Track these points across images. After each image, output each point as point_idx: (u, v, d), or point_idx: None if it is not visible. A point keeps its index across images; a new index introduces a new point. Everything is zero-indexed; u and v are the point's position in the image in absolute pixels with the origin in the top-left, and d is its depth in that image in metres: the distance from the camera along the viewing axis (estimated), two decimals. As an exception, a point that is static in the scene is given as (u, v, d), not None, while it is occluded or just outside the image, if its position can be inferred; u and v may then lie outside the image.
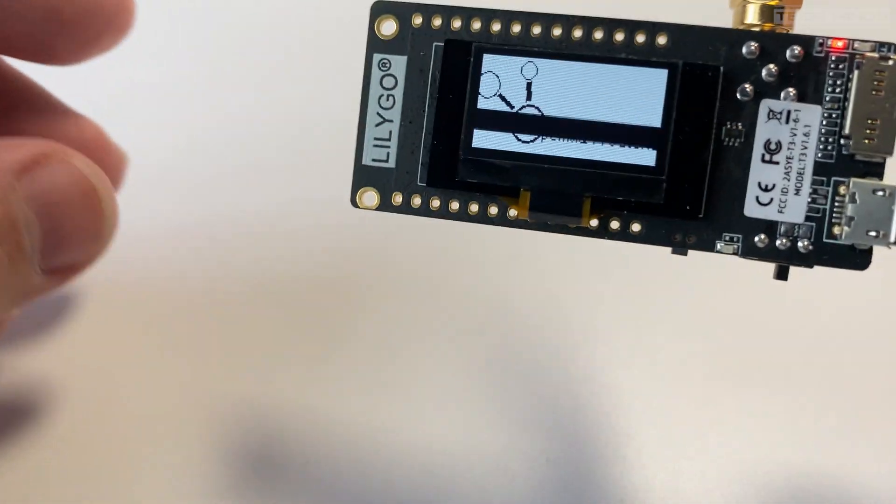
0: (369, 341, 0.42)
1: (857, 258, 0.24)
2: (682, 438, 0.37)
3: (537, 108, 0.24)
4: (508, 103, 0.25)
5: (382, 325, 0.42)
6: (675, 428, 0.37)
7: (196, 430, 0.40)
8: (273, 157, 0.46)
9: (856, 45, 0.24)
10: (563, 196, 0.24)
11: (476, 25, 0.25)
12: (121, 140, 0.38)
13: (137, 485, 0.39)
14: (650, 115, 0.24)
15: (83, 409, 0.41)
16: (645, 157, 0.24)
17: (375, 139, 0.26)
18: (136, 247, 0.43)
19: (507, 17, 0.25)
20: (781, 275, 0.25)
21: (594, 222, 0.25)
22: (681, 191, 0.24)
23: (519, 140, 0.24)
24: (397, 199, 0.26)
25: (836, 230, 0.24)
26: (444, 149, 0.25)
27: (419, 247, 0.43)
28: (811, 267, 0.24)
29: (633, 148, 0.24)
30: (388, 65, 0.26)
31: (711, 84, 0.24)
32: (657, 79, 0.24)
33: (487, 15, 0.25)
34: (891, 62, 0.23)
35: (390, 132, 0.26)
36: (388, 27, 0.26)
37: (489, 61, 0.25)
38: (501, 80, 0.24)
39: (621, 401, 0.38)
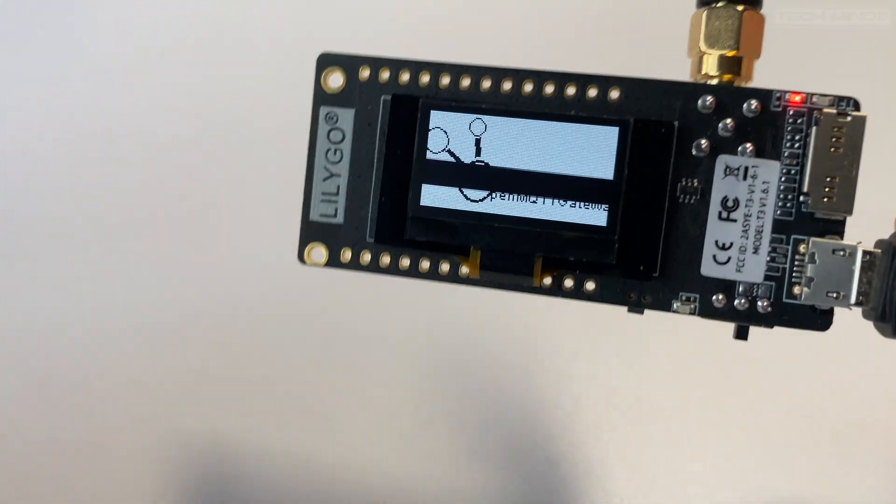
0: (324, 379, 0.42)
1: (817, 319, 0.23)
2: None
3: (486, 164, 0.24)
4: (457, 159, 0.24)
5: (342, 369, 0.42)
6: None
7: (142, 464, 0.41)
8: (220, 212, 0.45)
9: (814, 99, 0.23)
10: (514, 255, 0.24)
11: (425, 79, 0.25)
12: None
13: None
14: (601, 173, 0.23)
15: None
16: (596, 216, 0.23)
17: (323, 194, 0.25)
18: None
19: (457, 70, 0.24)
20: (741, 335, 0.24)
21: (547, 281, 0.24)
22: (634, 250, 0.23)
23: (468, 199, 0.24)
24: (346, 255, 0.25)
25: (796, 290, 0.23)
26: (392, 206, 0.24)
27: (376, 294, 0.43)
28: (771, 327, 0.24)
29: (584, 207, 0.23)
30: (335, 118, 0.25)
31: (665, 140, 0.23)
32: (608, 136, 0.23)
33: (436, 69, 0.24)
34: (849, 119, 0.22)
35: (338, 187, 0.25)
36: (335, 80, 0.25)
37: (437, 117, 0.24)
38: (450, 135, 0.24)
39: (621, 402, 0.38)
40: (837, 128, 0.22)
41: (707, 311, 0.24)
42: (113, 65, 0.46)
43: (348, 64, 0.25)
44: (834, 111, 0.22)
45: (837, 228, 0.23)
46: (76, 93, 0.46)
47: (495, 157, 0.24)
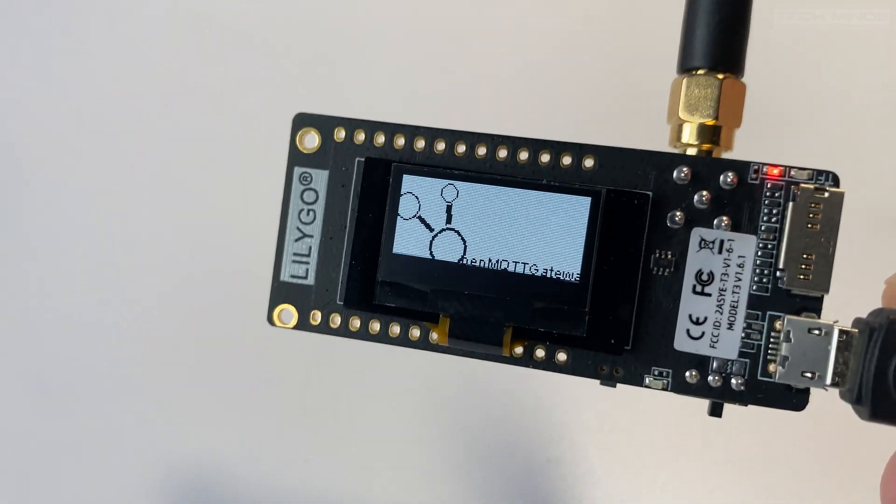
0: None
1: (793, 398, 0.23)
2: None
3: (457, 231, 0.23)
4: (428, 226, 0.23)
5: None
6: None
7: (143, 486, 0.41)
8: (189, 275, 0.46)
9: (792, 172, 0.22)
10: (484, 324, 0.23)
11: (400, 142, 0.24)
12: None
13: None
14: (572, 244, 0.23)
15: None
16: (567, 287, 0.23)
17: (295, 255, 0.25)
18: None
19: (431, 134, 0.24)
20: (715, 411, 0.24)
21: (519, 350, 0.24)
22: (605, 323, 0.23)
23: (438, 264, 0.23)
24: (316, 317, 0.25)
25: (771, 368, 0.22)
26: (362, 269, 0.24)
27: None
28: (745, 405, 0.23)
29: (555, 277, 0.23)
30: (309, 179, 0.25)
31: (638, 211, 0.23)
32: (580, 206, 0.23)
33: (411, 132, 0.24)
34: (826, 195, 0.22)
35: (310, 248, 0.25)
36: (311, 140, 0.25)
37: (409, 182, 0.24)
38: (421, 201, 0.23)
39: (621, 402, 0.38)
40: (815, 203, 0.22)
41: (680, 388, 0.23)
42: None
43: (324, 125, 0.25)
44: (812, 186, 0.22)
45: (815, 305, 0.22)
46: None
47: (466, 224, 0.23)
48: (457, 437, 0.40)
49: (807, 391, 0.22)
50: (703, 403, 0.37)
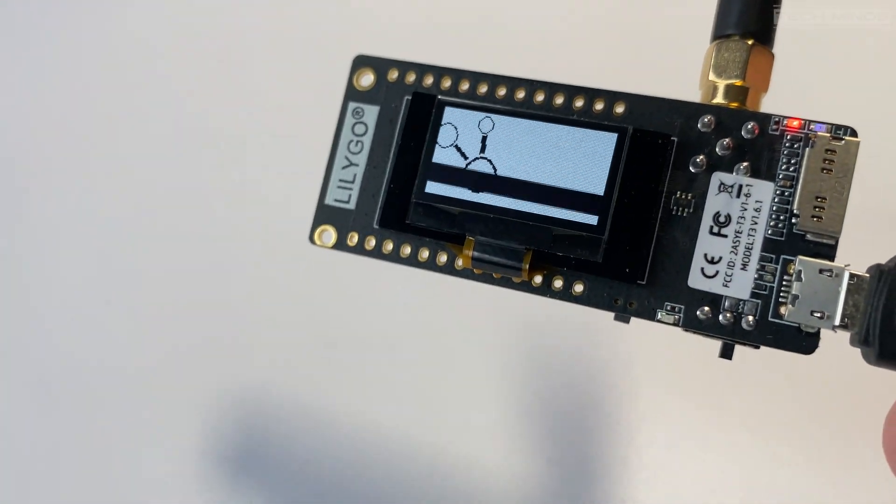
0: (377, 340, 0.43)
1: (803, 341, 0.23)
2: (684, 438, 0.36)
3: (489, 160, 0.25)
4: (463, 154, 0.25)
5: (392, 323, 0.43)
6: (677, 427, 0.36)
7: (199, 421, 0.42)
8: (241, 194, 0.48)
9: (812, 125, 0.23)
10: (505, 247, 0.24)
11: (446, 84, 0.27)
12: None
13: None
14: (597, 175, 0.24)
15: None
16: (588, 216, 0.24)
17: (340, 181, 0.27)
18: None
19: (476, 77, 0.26)
20: (726, 353, 0.24)
21: (538, 279, 0.25)
22: (622, 252, 0.24)
23: (469, 189, 0.25)
24: (353, 239, 0.27)
25: (782, 310, 0.23)
26: (399, 192, 0.26)
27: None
28: (756, 347, 0.23)
29: (577, 207, 0.24)
30: (361, 113, 0.27)
31: (661, 151, 0.24)
32: (606, 141, 0.24)
33: (457, 74, 0.26)
34: (843, 142, 0.23)
35: (355, 175, 0.27)
36: (367, 79, 0.27)
37: (449, 113, 0.26)
38: (459, 131, 0.25)
39: (621, 401, 0.37)
40: (830, 150, 0.23)
41: (691, 324, 0.24)
42: (126, 55, 0.50)
43: (380, 66, 0.27)
44: (828, 135, 0.23)
45: (828, 252, 0.23)
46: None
47: (498, 154, 0.25)
48: (457, 437, 0.40)
49: (817, 334, 0.23)
50: (703, 399, 0.37)
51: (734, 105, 0.25)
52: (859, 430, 0.34)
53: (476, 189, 0.25)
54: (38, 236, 0.50)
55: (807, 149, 0.23)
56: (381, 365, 0.43)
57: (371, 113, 0.27)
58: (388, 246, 0.26)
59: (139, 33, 0.51)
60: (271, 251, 0.46)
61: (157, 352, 0.46)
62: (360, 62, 0.27)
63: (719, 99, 0.26)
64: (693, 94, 0.27)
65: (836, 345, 0.24)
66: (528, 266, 0.24)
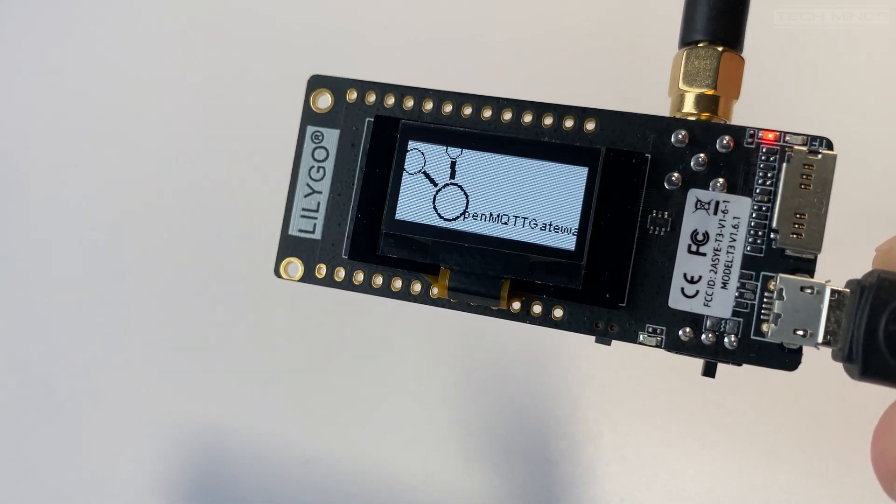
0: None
1: (785, 358, 0.23)
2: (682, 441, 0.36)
3: (460, 186, 0.24)
4: (432, 181, 0.24)
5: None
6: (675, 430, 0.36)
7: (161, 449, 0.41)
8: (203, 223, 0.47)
9: (787, 137, 0.23)
10: (482, 276, 0.24)
11: (409, 104, 0.25)
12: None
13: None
14: (571, 200, 0.23)
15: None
16: (565, 241, 0.23)
17: (303, 210, 0.26)
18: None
19: (439, 97, 0.25)
20: (709, 371, 0.24)
21: (516, 305, 0.24)
22: (600, 277, 0.23)
23: (441, 217, 0.24)
24: (321, 271, 0.26)
25: (764, 327, 0.23)
26: (368, 222, 0.25)
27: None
28: (739, 365, 0.23)
29: (553, 231, 0.23)
30: (320, 137, 0.26)
31: (636, 170, 0.23)
32: (578, 174, 0.23)
33: (420, 94, 0.25)
34: (819, 156, 0.22)
35: (318, 204, 0.26)
36: (324, 101, 0.26)
37: (414, 140, 0.24)
38: (427, 157, 0.24)
39: (621, 401, 0.38)
40: (808, 165, 0.22)
41: (674, 345, 0.23)
42: (99, 75, 0.49)
43: (337, 86, 0.26)
44: (805, 148, 0.23)
45: (808, 267, 0.23)
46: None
47: (470, 180, 0.24)
48: (456, 437, 0.40)
49: (799, 351, 0.23)
50: (702, 398, 0.37)
51: (705, 115, 0.25)
52: (857, 428, 0.35)
53: (448, 217, 0.24)
54: (37, 236, 0.48)
55: (784, 164, 0.23)
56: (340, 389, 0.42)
57: (331, 137, 0.26)
58: (359, 277, 0.25)
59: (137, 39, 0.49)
60: (236, 278, 0.45)
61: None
62: (316, 83, 0.26)
63: (689, 108, 0.25)
64: (662, 103, 0.26)
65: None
66: (506, 294, 0.24)
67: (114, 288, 0.46)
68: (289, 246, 0.26)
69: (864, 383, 0.22)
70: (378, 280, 0.25)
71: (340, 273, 0.26)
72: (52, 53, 0.51)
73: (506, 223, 0.24)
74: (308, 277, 0.26)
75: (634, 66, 0.37)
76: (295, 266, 0.26)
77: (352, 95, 0.26)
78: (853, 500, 0.35)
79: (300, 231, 0.26)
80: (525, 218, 0.23)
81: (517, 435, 0.38)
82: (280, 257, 0.26)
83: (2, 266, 0.49)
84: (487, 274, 0.24)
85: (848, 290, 0.22)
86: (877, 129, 0.37)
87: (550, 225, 0.23)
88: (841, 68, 0.38)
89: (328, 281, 0.26)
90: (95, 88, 0.49)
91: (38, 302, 0.48)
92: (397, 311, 0.42)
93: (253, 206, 0.44)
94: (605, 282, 0.23)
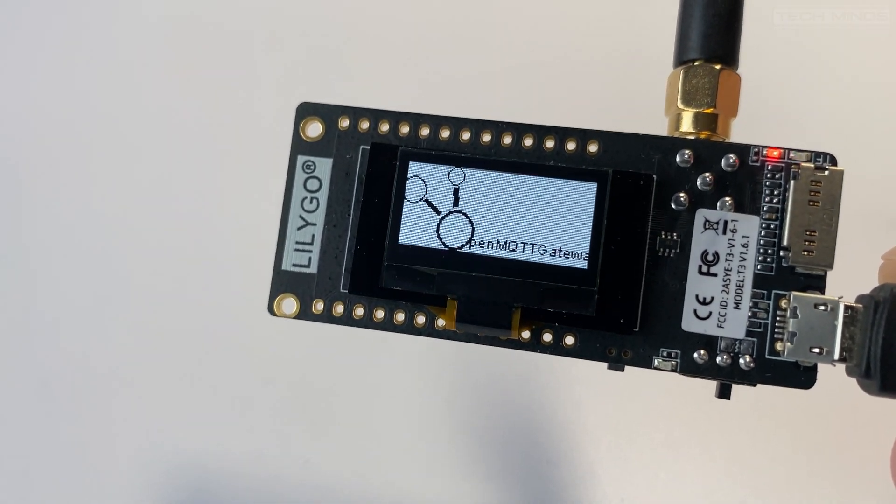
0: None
1: (801, 376, 0.23)
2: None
3: (465, 214, 0.23)
4: (435, 209, 0.23)
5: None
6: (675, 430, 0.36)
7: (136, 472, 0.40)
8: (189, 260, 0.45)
9: (791, 154, 0.23)
10: (492, 306, 0.23)
11: (404, 130, 0.25)
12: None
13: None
14: (580, 225, 0.23)
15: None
16: (576, 267, 0.23)
17: (297, 243, 0.25)
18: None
19: (436, 122, 0.24)
20: (724, 393, 0.24)
21: (526, 334, 0.24)
22: (613, 303, 0.23)
23: (446, 246, 0.23)
24: (318, 306, 0.25)
25: (778, 346, 0.23)
26: (368, 254, 0.24)
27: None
28: (754, 385, 0.23)
29: (564, 257, 0.23)
30: (312, 167, 0.25)
31: (644, 192, 0.23)
32: (586, 189, 0.23)
33: (416, 119, 0.24)
34: (826, 173, 0.22)
35: (313, 236, 0.25)
36: (314, 129, 0.25)
37: (415, 166, 0.24)
38: (428, 184, 0.23)
39: (621, 402, 0.37)
40: (815, 181, 0.22)
41: (689, 368, 0.23)
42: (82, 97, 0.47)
43: (328, 113, 0.25)
44: (812, 165, 0.22)
45: (819, 283, 0.23)
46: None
47: (474, 206, 0.23)
48: (456, 438, 0.39)
49: (814, 368, 0.23)
50: (702, 398, 0.37)
51: (704, 134, 0.25)
52: (860, 431, 0.35)
53: (453, 246, 0.23)
54: (37, 236, 0.46)
55: (791, 181, 0.23)
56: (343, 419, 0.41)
57: (324, 166, 0.25)
58: (359, 311, 0.24)
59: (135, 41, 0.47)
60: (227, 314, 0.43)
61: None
62: (306, 110, 0.25)
63: (688, 127, 0.25)
64: (655, 122, 0.26)
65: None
66: (517, 324, 0.23)
67: (114, 289, 0.44)
68: (283, 282, 0.25)
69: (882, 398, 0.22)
70: (379, 314, 0.24)
71: (339, 308, 0.24)
72: (52, 56, 0.49)
73: (514, 250, 0.23)
74: (304, 314, 0.25)
75: (627, 86, 0.37)
76: (290, 303, 0.25)
77: (343, 123, 0.25)
78: (854, 502, 0.35)
79: (294, 265, 0.25)
80: (534, 244, 0.23)
81: (517, 436, 0.37)
82: (273, 294, 0.25)
83: (2, 266, 0.47)
84: (497, 303, 0.23)
85: (861, 306, 0.22)
86: (877, 128, 0.37)
87: (560, 250, 0.23)
88: (840, 68, 0.39)
89: (326, 317, 0.24)
90: (93, 99, 0.47)
91: (38, 302, 0.46)
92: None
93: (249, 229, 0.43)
94: (619, 307, 0.23)
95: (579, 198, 0.23)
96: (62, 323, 0.46)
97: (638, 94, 0.29)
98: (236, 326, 0.43)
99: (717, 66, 0.25)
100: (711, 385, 0.34)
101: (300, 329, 0.37)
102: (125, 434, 0.43)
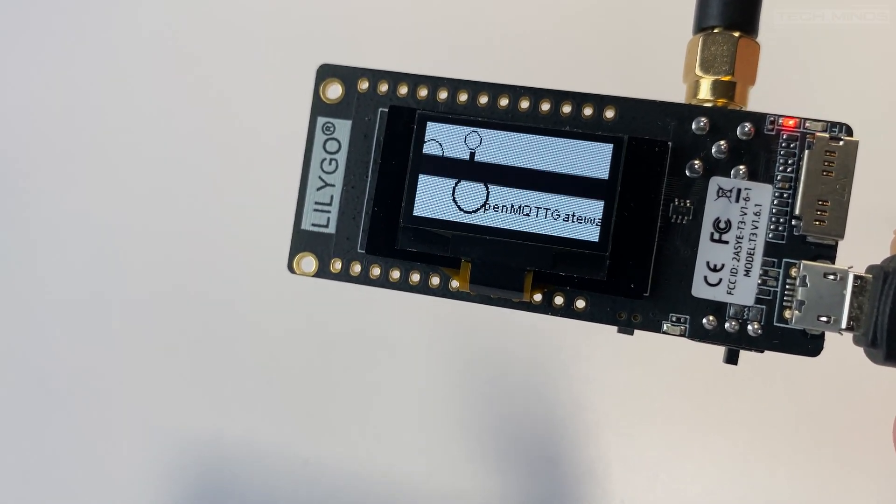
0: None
1: (808, 344, 0.23)
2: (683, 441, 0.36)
3: (480, 178, 0.24)
4: (451, 172, 0.24)
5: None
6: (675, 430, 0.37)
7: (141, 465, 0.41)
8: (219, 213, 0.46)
9: (807, 124, 0.23)
10: (505, 269, 0.23)
11: (423, 93, 0.25)
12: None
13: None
14: (593, 190, 0.23)
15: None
16: (588, 232, 0.23)
17: (316, 203, 0.25)
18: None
19: (454, 85, 0.25)
20: (731, 359, 0.24)
21: (538, 297, 0.24)
22: (625, 267, 0.23)
23: (461, 210, 0.24)
24: (336, 265, 0.25)
25: (786, 314, 0.23)
26: (385, 216, 0.24)
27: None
28: (762, 352, 0.23)
29: (576, 222, 0.23)
30: (332, 128, 0.25)
31: (659, 159, 0.23)
32: (602, 153, 0.23)
33: (434, 83, 0.25)
34: (841, 143, 0.22)
35: (332, 197, 0.25)
36: (334, 91, 0.25)
37: (433, 129, 0.24)
38: (445, 148, 0.24)
39: (622, 402, 0.38)
40: (830, 152, 0.22)
41: (697, 334, 0.23)
42: (103, 70, 0.47)
43: (348, 75, 0.25)
44: (827, 135, 0.23)
45: (829, 253, 0.23)
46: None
47: (489, 171, 0.24)
48: (456, 438, 0.40)
49: (821, 337, 0.23)
50: (702, 397, 0.38)
51: (721, 102, 0.25)
52: (858, 429, 0.36)
53: (468, 210, 0.24)
54: (36, 236, 0.47)
55: (806, 151, 0.23)
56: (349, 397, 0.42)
57: (343, 128, 0.25)
58: (376, 271, 0.25)
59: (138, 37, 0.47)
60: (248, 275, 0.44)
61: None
62: (326, 72, 0.25)
63: (705, 95, 0.25)
64: (673, 89, 0.26)
65: (834, 344, 0.24)
66: (529, 287, 0.23)
67: (114, 289, 0.45)
68: (302, 241, 0.25)
69: (878, 369, 0.23)
70: (395, 274, 0.25)
71: (356, 268, 0.25)
72: (53, 55, 0.49)
73: (527, 214, 0.23)
74: (322, 272, 0.25)
75: (644, 53, 0.36)
76: (309, 261, 0.25)
77: (363, 85, 0.25)
78: (854, 501, 0.35)
79: (313, 225, 0.25)
80: (547, 209, 0.23)
81: (517, 435, 0.38)
82: (293, 252, 0.25)
83: (2, 266, 0.48)
84: (510, 266, 0.23)
85: (870, 276, 0.22)
86: (877, 129, 0.37)
87: (573, 215, 0.23)
88: (840, 68, 0.39)
89: (344, 276, 0.25)
90: (97, 79, 0.47)
91: (38, 303, 0.47)
92: (397, 311, 0.42)
93: (260, 204, 0.43)
94: (630, 272, 0.23)
95: (594, 163, 0.23)
96: (61, 315, 0.46)
97: (658, 61, 0.28)
98: (236, 326, 0.44)
99: (737, 34, 0.24)
100: (711, 385, 0.34)
101: (301, 329, 0.38)
102: (125, 434, 0.44)
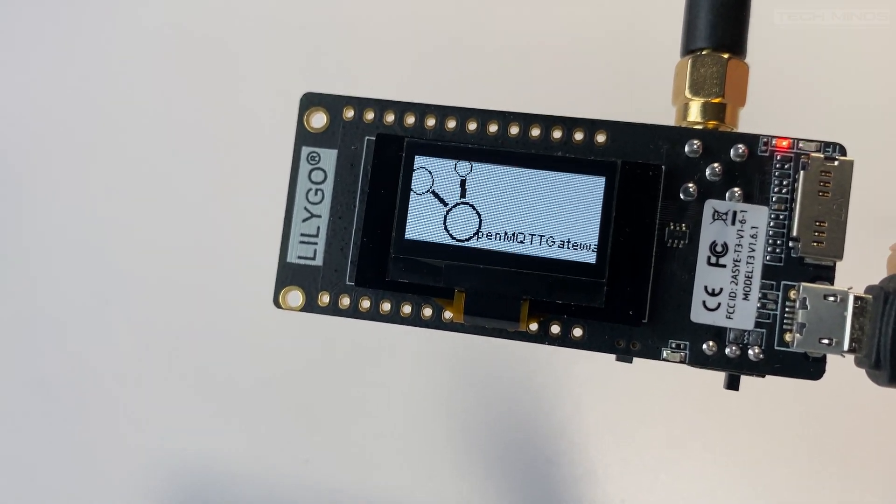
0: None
1: (810, 367, 0.23)
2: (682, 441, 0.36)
3: (472, 205, 0.23)
4: (442, 200, 0.23)
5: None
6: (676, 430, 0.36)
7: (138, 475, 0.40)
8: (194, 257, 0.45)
9: (801, 144, 0.23)
10: (500, 298, 0.23)
11: (410, 120, 0.24)
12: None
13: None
14: (588, 216, 0.23)
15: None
16: (585, 259, 0.22)
17: (302, 235, 0.25)
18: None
19: (443, 112, 0.24)
20: (732, 385, 0.24)
21: (534, 326, 0.23)
22: (622, 294, 0.23)
23: (453, 238, 0.23)
24: (324, 299, 0.24)
25: (787, 337, 0.23)
26: (375, 246, 0.23)
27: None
28: (763, 376, 0.23)
29: (572, 248, 0.23)
30: (317, 158, 0.25)
31: (653, 183, 0.23)
32: (595, 181, 0.23)
33: (422, 110, 0.24)
34: (836, 163, 0.22)
35: (318, 228, 0.24)
36: (319, 119, 0.25)
37: (421, 158, 0.23)
38: (434, 176, 0.23)
39: (622, 403, 0.37)
40: (825, 172, 0.22)
41: (698, 360, 0.23)
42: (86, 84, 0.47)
43: (332, 104, 0.25)
44: (821, 155, 0.22)
45: (828, 274, 0.23)
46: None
47: (481, 198, 0.23)
48: (456, 437, 0.39)
49: (823, 360, 0.22)
50: (703, 398, 0.37)
51: (712, 124, 0.24)
52: (858, 429, 0.35)
53: (461, 238, 0.23)
54: (36, 236, 0.46)
55: (801, 172, 0.22)
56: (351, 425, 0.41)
57: (328, 157, 0.25)
58: (365, 304, 0.24)
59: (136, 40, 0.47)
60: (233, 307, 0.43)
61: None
62: (310, 101, 0.25)
63: (695, 117, 0.25)
64: (662, 111, 0.26)
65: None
66: (525, 316, 0.23)
67: (114, 289, 0.44)
68: (288, 274, 0.25)
69: (888, 389, 0.22)
70: (386, 306, 0.24)
71: (345, 301, 0.24)
72: (53, 57, 0.48)
73: (522, 242, 0.23)
74: (310, 307, 0.24)
75: (634, 76, 0.36)
76: (296, 295, 0.24)
77: (349, 113, 0.25)
78: (854, 501, 0.35)
79: (299, 258, 0.24)
80: (542, 235, 0.23)
81: (517, 436, 0.37)
82: (279, 286, 0.25)
83: (2, 267, 0.47)
84: (505, 295, 0.23)
85: (870, 297, 0.22)
86: (877, 129, 0.37)
87: (568, 242, 0.23)
88: (840, 69, 0.39)
89: (332, 310, 0.24)
90: (97, 80, 0.46)
91: (38, 303, 0.45)
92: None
93: (260, 205, 0.42)
94: (628, 299, 0.23)
95: (588, 188, 0.23)
96: (62, 322, 0.45)
97: (645, 84, 0.28)
98: (237, 327, 0.43)
99: (725, 56, 0.24)
100: (711, 385, 0.34)
101: (300, 329, 0.37)
102: (125, 434, 0.43)
